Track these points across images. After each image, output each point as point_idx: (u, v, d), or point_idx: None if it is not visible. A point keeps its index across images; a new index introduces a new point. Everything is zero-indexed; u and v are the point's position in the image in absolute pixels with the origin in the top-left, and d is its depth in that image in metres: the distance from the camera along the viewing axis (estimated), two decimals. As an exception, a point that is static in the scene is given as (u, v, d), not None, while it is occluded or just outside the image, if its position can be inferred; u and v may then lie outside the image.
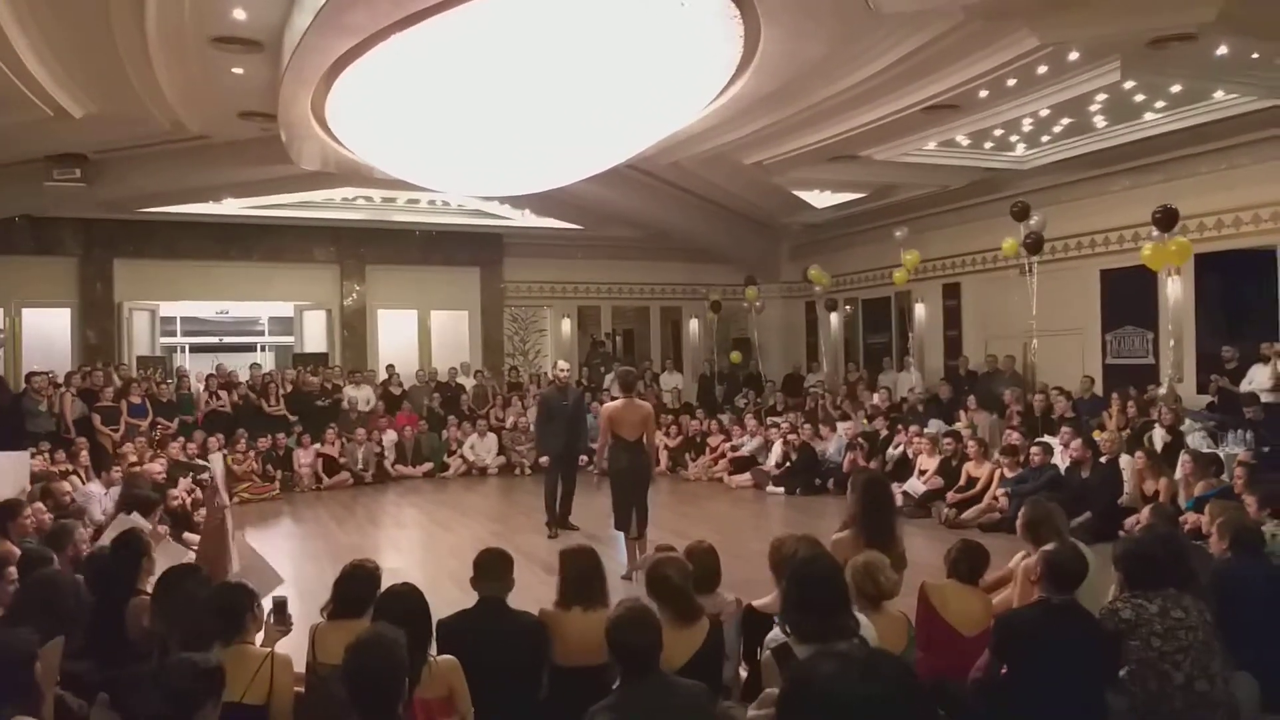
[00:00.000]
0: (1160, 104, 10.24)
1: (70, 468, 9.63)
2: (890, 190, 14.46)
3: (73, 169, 11.74)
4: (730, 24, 7.23)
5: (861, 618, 3.44)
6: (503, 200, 15.45)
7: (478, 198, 15.39)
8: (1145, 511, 6.55)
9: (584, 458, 9.70)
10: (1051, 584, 3.64)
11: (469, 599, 3.88)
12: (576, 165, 10.28)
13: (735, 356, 17.51)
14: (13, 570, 4.70)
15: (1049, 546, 3.88)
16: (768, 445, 12.97)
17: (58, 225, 14.69)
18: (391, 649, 2.77)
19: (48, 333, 14.80)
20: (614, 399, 8.77)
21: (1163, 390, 10.29)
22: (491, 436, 14.58)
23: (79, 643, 3.90)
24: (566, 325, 18.25)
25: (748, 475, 12.78)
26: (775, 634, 3.32)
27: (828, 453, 12.29)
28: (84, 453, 10.23)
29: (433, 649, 3.47)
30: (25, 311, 14.66)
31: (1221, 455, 8.53)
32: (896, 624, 3.65)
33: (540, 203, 15.09)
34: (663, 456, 13.63)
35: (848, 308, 17.19)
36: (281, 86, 8.51)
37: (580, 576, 3.87)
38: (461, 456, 14.30)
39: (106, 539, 5.38)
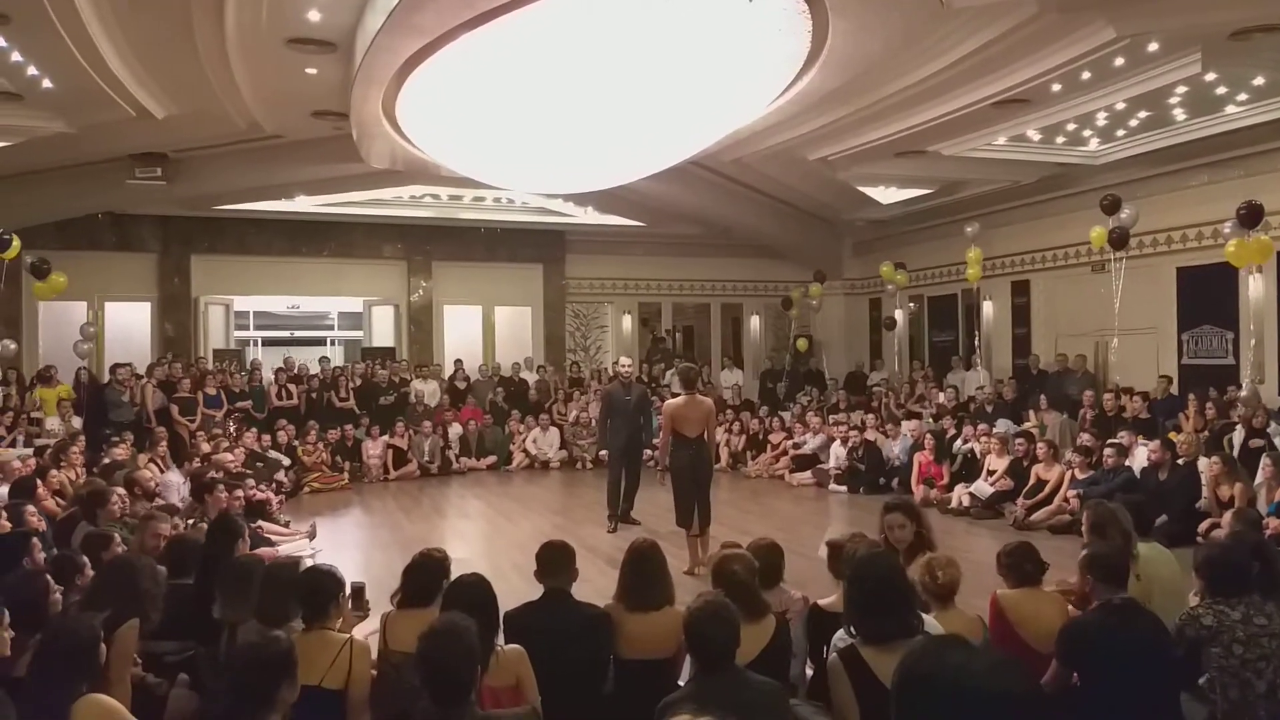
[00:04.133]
0: (1242, 96, 9.89)
1: (150, 457, 9.94)
2: (958, 186, 14.21)
3: (154, 168, 12.15)
4: (798, 19, 7.17)
5: (928, 618, 3.41)
6: (566, 198, 15.56)
7: (542, 195, 15.53)
8: (1227, 516, 6.35)
9: (647, 452, 9.71)
10: (1102, 584, 3.60)
11: (533, 589, 3.93)
12: (641, 162, 10.31)
13: (802, 344, 17.37)
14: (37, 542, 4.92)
15: (1086, 550, 3.80)
16: (830, 443, 12.86)
17: (138, 222, 15.21)
18: (464, 637, 2.81)
19: (128, 326, 15.33)
20: (675, 395, 8.79)
21: (1244, 392, 9.95)
22: (554, 431, 14.71)
23: (157, 625, 4.03)
24: (628, 321, 18.34)
25: (809, 473, 12.69)
26: (841, 635, 3.32)
27: (893, 453, 12.13)
28: (163, 443, 10.57)
29: (499, 638, 3.52)
30: (108, 305, 15.21)
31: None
32: (969, 625, 3.59)
33: (603, 200, 15.16)
34: (723, 454, 13.59)
35: (912, 305, 16.94)
36: (353, 86, 8.70)
37: (643, 581, 3.87)
38: (524, 450, 14.46)
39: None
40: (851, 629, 3.21)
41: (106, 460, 9.18)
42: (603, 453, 9.78)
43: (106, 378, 13.04)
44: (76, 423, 11.66)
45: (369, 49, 7.62)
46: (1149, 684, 3.37)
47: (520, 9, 6.56)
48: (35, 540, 4.98)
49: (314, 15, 7.85)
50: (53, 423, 11.39)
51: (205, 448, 10.59)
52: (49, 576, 3.88)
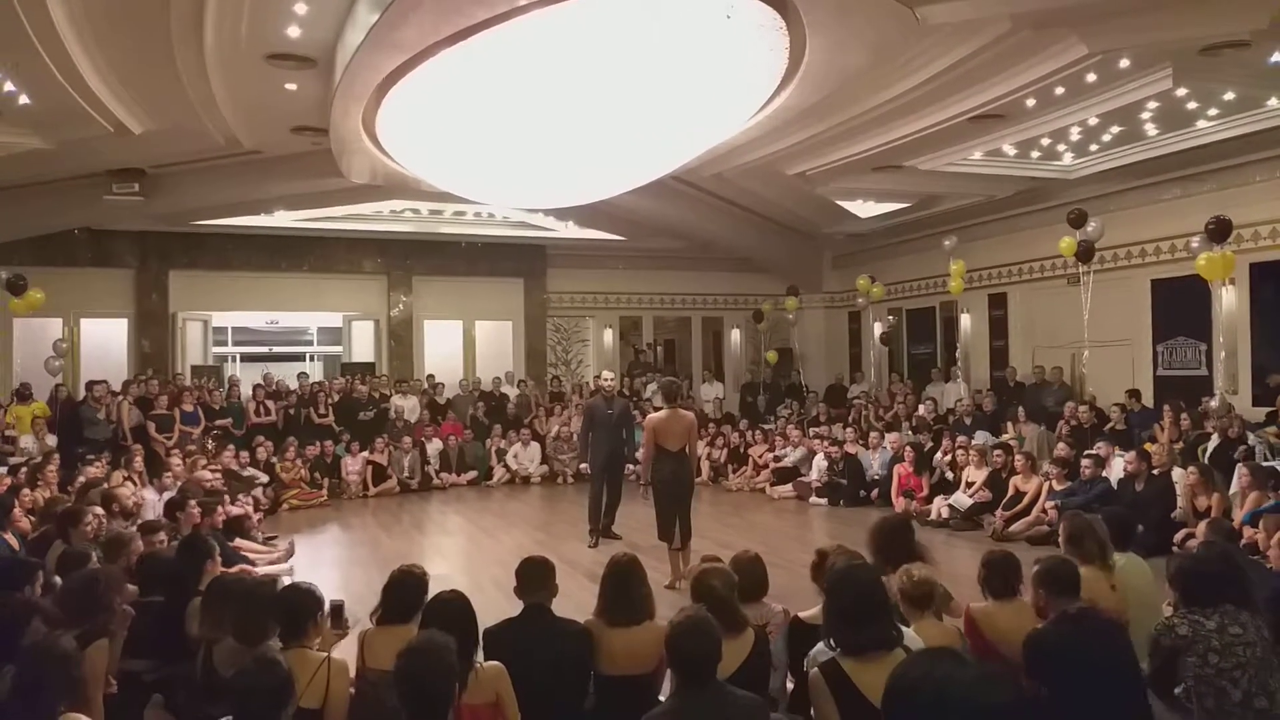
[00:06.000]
0: (1213, 111, 10.05)
1: (126, 474, 9.84)
2: (935, 200, 14.34)
3: (131, 183, 12.03)
4: (775, 35, 7.24)
5: (908, 631, 3.43)
6: (547, 212, 15.57)
7: (522, 210, 15.54)
8: (1201, 526, 6.41)
9: (629, 467, 9.70)
10: (1056, 595, 3.64)
11: (513, 606, 3.91)
12: (622, 177, 10.35)
13: (771, 356, 17.48)
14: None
15: (1035, 566, 3.82)
16: (810, 456, 12.89)
17: (115, 238, 15.07)
18: (442, 654, 2.81)
19: (105, 342, 15.17)
20: (656, 409, 8.79)
21: (1214, 403, 10.07)
22: (535, 445, 14.68)
23: (127, 641, 3.98)
24: (609, 335, 18.34)
25: (790, 486, 12.72)
26: (821, 649, 3.33)
27: (873, 466, 12.17)
28: (138, 459, 10.45)
29: (479, 655, 3.51)
30: (84, 322, 15.05)
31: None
32: (948, 635, 3.61)
33: (584, 214, 15.18)
34: (704, 467, 13.61)
35: (891, 318, 17.06)
36: (333, 102, 8.69)
37: (623, 596, 3.86)
38: (505, 465, 14.41)
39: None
40: (831, 641, 3.22)
41: (82, 479, 9.06)
42: (584, 467, 9.75)
43: (82, 395, 12.90)
44: (51, 441, 11.51)
45: (349, 65, 7.61)
46: (1115, 686, 3.41)
47: (501, 25, 6.59)
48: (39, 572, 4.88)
49: (294, 31, 7.84)
50: (27, 441, 11.24)
51: (175, 464, 10.44)
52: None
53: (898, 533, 4.51)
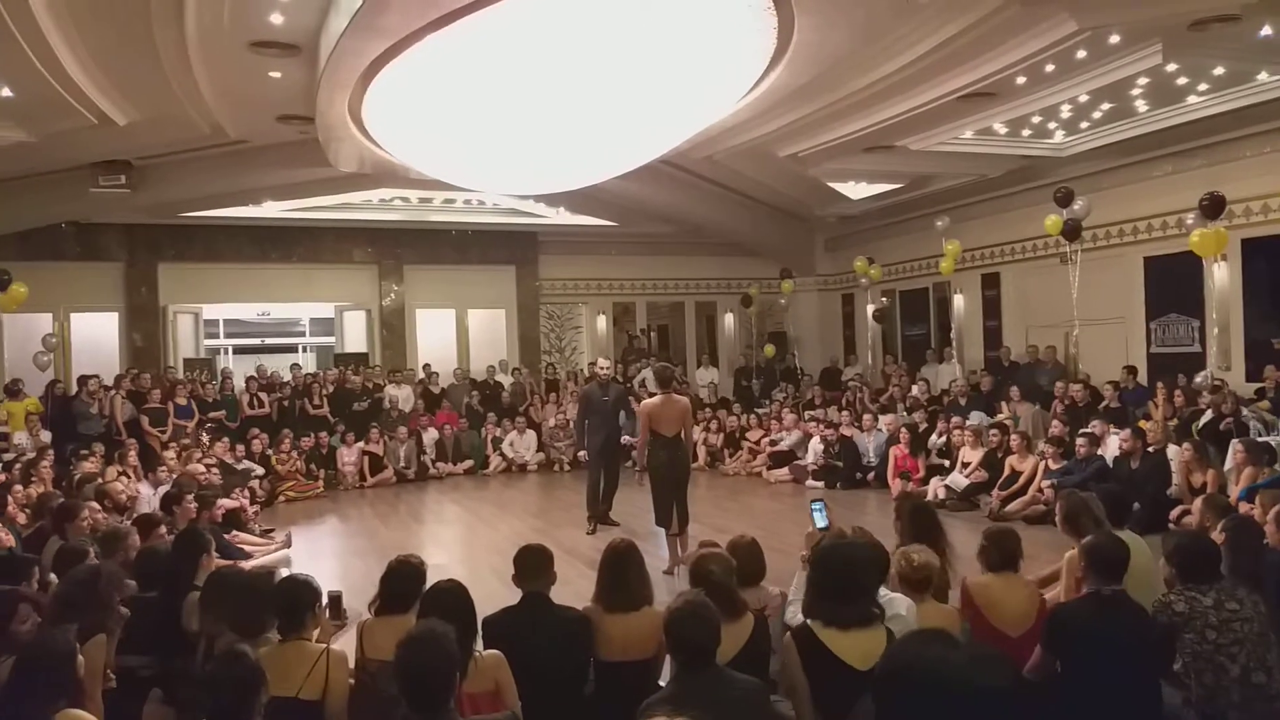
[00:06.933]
0: (1203, 86, 10.03)
1: (121, 469, 9.79)
2: (927, 180, 14.31)
3: (118, 175, 11.94)
4: (763, 15, 7.19)
5: (905, 601, 3.44)
6: (537, 198, 15.50)
7: (513, 197, 15.47)
8: (1197, 503, 6.43)
9: (625, 439, 9.59)
10: (1098, 574, 3.60)
11: (512, 594, 3.91)
12: (611, 162, 10.29)
13: (769, 350, 17.47)
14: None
15: (1088, 538, 3.82)
16: (806, 439, 12.90)
17: (103, 231, 14.98)
18: (442, 643, 2.80)
19: (95, 337, 15.09)
20: (651, 395, 8.78)
21: (1198, 379, 10.09)
22: (531, 433, 14.67)
23: (125, 637, 3.97)
24: (602, 322, 18.29)
25: (786, 470, 12.73)
26: (794, 614, 3.33)
27: (869, 449, 12.18)
28: (132, 453, 10.41)
29: (478, 644, 3.50)
30: (74, 316, 14.96)
31: (1274, 444, 8.33)
32: (947, 617, 3.61)
33: (575, 200, 15.13)
34: (700, 452, 13.62)
35: (884, 299, 17.05)
36: (318, 89, 8.62)
37: (620, 582, 3.86)
38: (501, 454, 14.40)
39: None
40: (809, 616, 3.24)
41: (78, 475, 9.02)
42: (581, 454, 9.74)
43: (75, 390, 12.84)
44: (46, 437, 11.46)
45: (333, 52, 7.54)
46: (1131, 675, 3.40)
47: (485, 8, 6.53)
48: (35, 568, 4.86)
49: (276, 18, 7.77)
50: (20, 437, 11.18)
51: (170, 458, 10.40)
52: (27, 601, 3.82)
53: (923, 513, 4.53)
